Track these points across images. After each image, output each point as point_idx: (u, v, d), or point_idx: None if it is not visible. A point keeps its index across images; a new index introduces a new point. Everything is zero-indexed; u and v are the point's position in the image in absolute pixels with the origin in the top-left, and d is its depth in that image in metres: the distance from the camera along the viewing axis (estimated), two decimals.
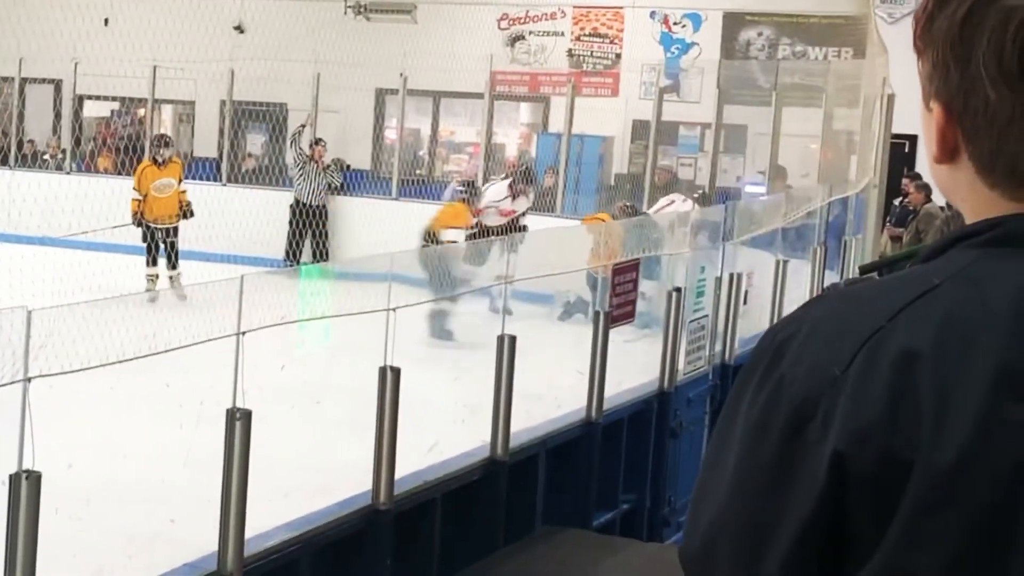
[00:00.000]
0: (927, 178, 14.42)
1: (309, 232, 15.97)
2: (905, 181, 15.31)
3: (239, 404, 4.54)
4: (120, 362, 4.38)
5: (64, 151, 18.94)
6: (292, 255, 15.83)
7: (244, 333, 4.66)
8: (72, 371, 4.19)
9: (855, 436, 1.12)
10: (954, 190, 1.24)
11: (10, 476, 3.89)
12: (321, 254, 16.00)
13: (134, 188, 14.41)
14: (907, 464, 1.10)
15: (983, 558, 1.09)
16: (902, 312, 1.14)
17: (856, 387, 1.13)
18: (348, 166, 18.15)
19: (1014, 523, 1.08)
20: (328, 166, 16.59)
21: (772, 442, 1.16)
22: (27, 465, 3.89)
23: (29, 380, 3.96)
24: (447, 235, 12.58)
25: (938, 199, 14.28)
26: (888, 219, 15.16)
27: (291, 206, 16.13)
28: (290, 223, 16.00)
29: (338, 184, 16.80)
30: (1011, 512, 1.08)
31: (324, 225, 16.37)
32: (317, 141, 16.62)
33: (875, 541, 1.12)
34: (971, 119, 1.18)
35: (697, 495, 1.24)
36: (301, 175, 16.31)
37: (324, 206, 16.43)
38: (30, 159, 18.71)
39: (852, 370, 1.13)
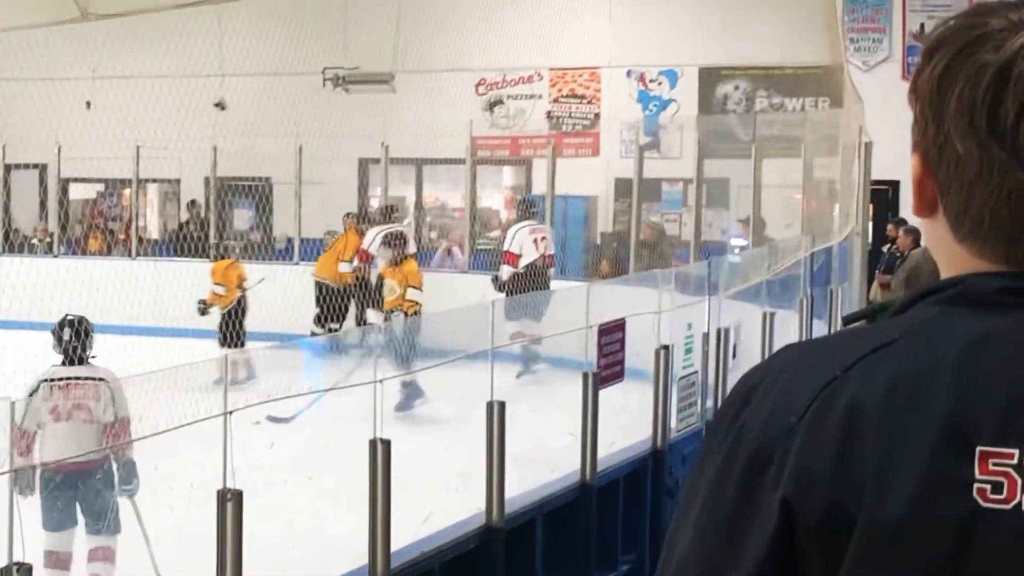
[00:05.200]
0: (913, 223, 14.47)
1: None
2: (890, 227, 15.35)
3: (229, 484, 4.53)
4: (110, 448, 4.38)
5: (52, 235, 18.93)
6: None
7: (231, 413, 4.67)
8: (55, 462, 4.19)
9: (802, 485, 1.13)
10: (932, 244, 1.25)
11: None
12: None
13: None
14: (851, 517, 1.11)
15: None
16: (856, 364, 1.15)
17: (807, 437, 1.14)
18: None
19: None
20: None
21: (731, 488, 1.17)
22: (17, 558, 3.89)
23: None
24: None
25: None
26: (878, 266, 15.18)
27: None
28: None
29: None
30: (952, 570, 1.09)
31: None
32: None
33: None
34: (944, 173, 1.19)
35: (668, 541, 1.24)
36: None
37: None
38: (16, 246, 18.66)
39: (806, 419, 1.14)
